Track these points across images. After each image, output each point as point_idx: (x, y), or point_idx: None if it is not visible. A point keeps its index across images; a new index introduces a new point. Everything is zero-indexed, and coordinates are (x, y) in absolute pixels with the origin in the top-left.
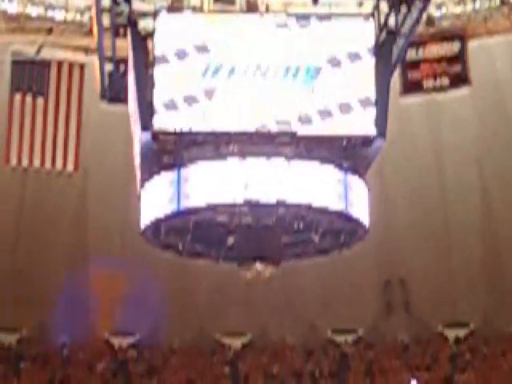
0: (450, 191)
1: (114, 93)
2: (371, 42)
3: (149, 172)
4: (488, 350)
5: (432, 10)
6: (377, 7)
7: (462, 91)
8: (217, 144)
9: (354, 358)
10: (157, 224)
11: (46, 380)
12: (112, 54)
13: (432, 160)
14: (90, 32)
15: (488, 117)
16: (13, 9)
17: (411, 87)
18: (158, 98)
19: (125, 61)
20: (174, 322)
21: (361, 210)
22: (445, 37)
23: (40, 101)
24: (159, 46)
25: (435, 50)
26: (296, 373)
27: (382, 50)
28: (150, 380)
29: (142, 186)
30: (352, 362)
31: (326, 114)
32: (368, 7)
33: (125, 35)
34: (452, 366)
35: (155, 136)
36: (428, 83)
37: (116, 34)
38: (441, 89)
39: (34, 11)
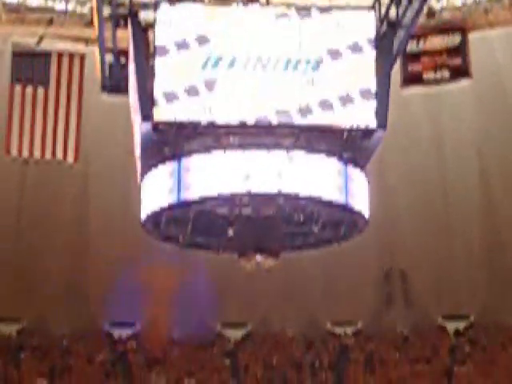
0: (451, 183)
1: (115, 84)
2: (372, 33)
3: (149, 163)
4: (488, 342)
5: (433, 2)
6: None
7: (463, 83)
8: (217, 135)
9: (353, 349)
10: (157, 215)
11: (45, 370)
12: (113, 45)
13: (432, 151)
14: (91, 23)
15: (488, 108)
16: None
17: (412, 79)
18: (159, 89)
19: (125, 52)
20: (174, 313)
21: (361, 202)
22: (445, 29)
23: (40, 92)
24: (160, 36)
25: (436, 41)
26: (296, 364)
27: (382, 42)
28: (150, 371)
29: (142, 176)
30: (352, 353)
31: (326, 105)
32: None
33: (125, 26)
34: (452, 358)
35: (155, 127)
36: (428, 75)
37: (117, 25)
38: (441, 81)
39: (34, 2)
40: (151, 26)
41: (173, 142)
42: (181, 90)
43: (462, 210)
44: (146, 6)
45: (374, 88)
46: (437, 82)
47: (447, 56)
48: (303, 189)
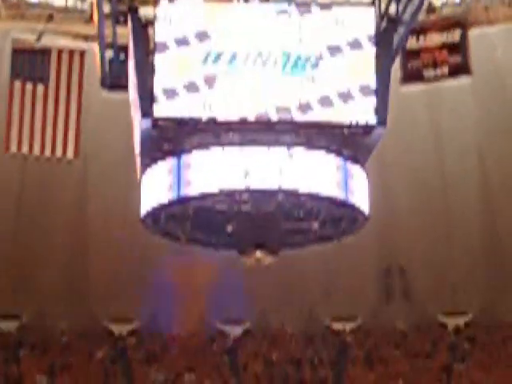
0: (451, 179)
1: (115, 80)
2: (372, 30)
3: (149, 159)
4: (487, 339)
5: None
6: None
7: (463, 80)
8: (217, 131)
9: (353, 346)
10: (157, 211)
11: (45, 367)
12: (113, 41)
13: (432, 148)
14: (91, 19)
15: (488, 105)
16: None
17: (411, 76)
18: (159, 86)
19: (125, 48)
20: (174, 309)
21: (361, 198)
22: (445, 25)
23: (40, 88)
24: (160, 33)
25: (436, 38)
26: (295, 360)
27: (382, 38)
28: (150, 367)
29: (142, 173)
30: (351, 349)
31: (326, 102)
32: None
33: (125, 22)
34: (451, 355)
35: (155, 123)
36: (428, 72)
37: (117, 21)
38: (441, 77)
39: None
40: (151, 22)
41: (173, 138)
42: (181, 86)
43: (462, 206)
44: (145, 2)
45: (373, 84)
46: (436, 78)
47: (447, 53)
48: (303, 185)
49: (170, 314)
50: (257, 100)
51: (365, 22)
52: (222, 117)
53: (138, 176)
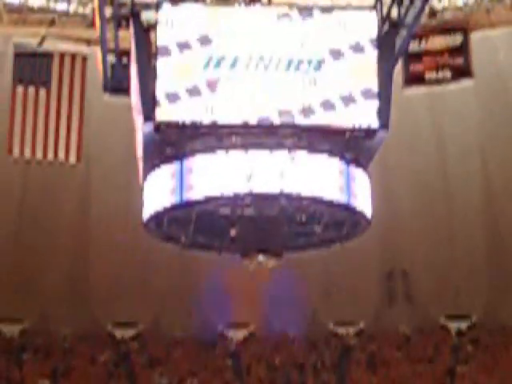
0: (453, 182)
1: (117, 84)
2: (374, 33)
3: (151, 163)
4: (490, 342)
5: (434, 2)
6: None
7: (465, 83)
8: (219, 135)
9: (356, 349)
10: (159, 215)
11: (48, 371)
12: (114, 46)
13: (435, 151)
14: (93, 23)
15: (490, 108)
16: (15, 0)
17: (413, 79)
18: (161, 90)
19: (127, 52)
20: (177, 313)
21: (364, 202)
22: (447, 29)
23: (42, 92)
24: (162, 37)
25: (437, 41)
26: (298, 364)
27: (384, 42)
28: (153, 371)
29: (144, 177)
30: (354, 353)
31: (328, 105)
32: None
33: (127, 27)
34: (454, 358)
35: (157, 127)
36: (430, 75)
37: (118, 26)
38: (443, 81)
39: (36, 2)
40: (153, 26)
41: (175, 142)
42: (183, 90)
43: (464, 209)
44: (147, 7)
45: (376, 88)
46: (439, 81)
47: (449, 56)
48: (305, 189)
49: (172, 319)
50: (259, 104)
51: (367, 25)
52: (224, 121)
53: (141, 180)
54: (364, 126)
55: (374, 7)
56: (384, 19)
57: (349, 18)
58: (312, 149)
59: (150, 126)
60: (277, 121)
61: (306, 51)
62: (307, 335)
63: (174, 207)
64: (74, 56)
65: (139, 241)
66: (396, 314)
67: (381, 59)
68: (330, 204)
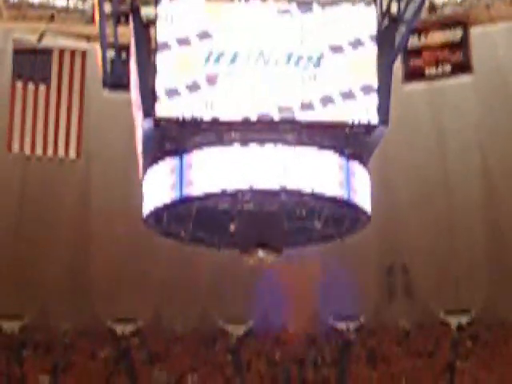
0: (453, 177)
1: (116, 80)
2: (373, 29)
3: (151, 159)
4: (490, 337)
5: None
6: None
7: (464, 78)
8: (219, 131)
9: (356, 344)
10: (159, 211)
11: (48, 367)
12: (114, 41)
13: (434, 146)
14: (92, 19)
15: (490, 103)
16: None
17: (413, 74)
18: (160, 85)
19: (127, 48)
20: (176, 309)
21: (363, 197)
22: (447, 24)
23: (42, 88)
24: (161, 32)
25: (437, 37)
26: (298, 360)
27: (384, 37)
28: (153, 367)
29: (144, 172)
30: (354, 348)
31: (328, 101)
32: None
33: (127, 22)
34: (454, 353)
35: (157, 123)
36: (430, 70)
37: (118, 21)
38: (443, 76)
39: None
40: (153, 21)
41: (175, 137)
42: (183, 85)
43: (464, 204)
44: (147, 2)
45: (375, 83)
46: (438, 77)
47: (449, 51)
48: (305, 184)
49: (171, 314)
50: (259, 99)
51: (366, 20)
52: (224, 116)
53: (140, 176)
54: (364, 121)
55: (374, 2)
56: (384, 14)
57: (348, 13)
58: (312, 144)
59: (149, 122)
60: (277, 116)
61: (306, 47)
62: (307, 330)
63: (173, 203)
64: (73, 52)
65: (140, 235)
66: (396, 309)
67: (380, 55)
68: (330, 199)
